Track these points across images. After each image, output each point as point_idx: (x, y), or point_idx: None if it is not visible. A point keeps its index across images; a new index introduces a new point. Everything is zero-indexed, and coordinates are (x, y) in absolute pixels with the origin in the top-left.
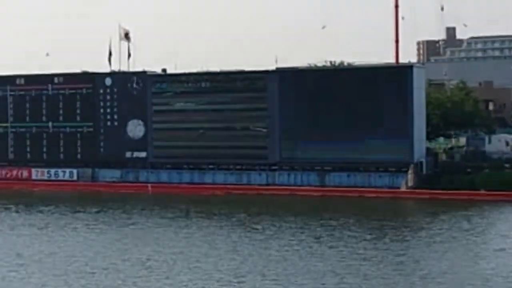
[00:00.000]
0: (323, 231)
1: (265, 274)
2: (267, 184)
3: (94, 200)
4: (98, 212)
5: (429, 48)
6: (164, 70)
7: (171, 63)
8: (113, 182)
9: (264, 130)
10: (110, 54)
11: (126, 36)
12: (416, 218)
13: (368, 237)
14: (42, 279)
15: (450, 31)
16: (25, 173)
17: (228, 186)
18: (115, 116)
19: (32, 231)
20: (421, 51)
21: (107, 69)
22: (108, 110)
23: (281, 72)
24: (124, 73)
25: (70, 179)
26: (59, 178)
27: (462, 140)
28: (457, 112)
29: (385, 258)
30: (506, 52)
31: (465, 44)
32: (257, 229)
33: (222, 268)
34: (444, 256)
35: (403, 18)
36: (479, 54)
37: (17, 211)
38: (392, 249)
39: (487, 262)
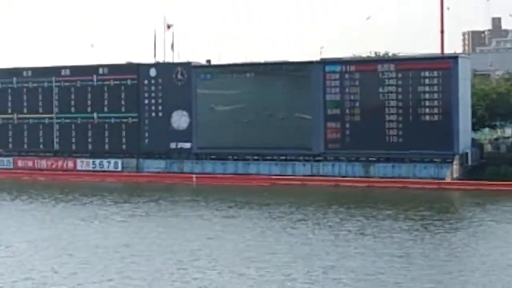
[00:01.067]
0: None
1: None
2: (312, 175)
3: (139, 191)
4: (145, 202)
5: (475, 39)
6: (208, 61)
7: (215, 54)
8: (158, 172)
9: (309, 117)
10: (155, 45)
11: (169, 27)
12: (461, 209)
13: (408, 227)
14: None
15: (496, 21)
16: (70, 164)
17: (273, 177)
18: (160, 107)
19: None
20: (467, 42)
21: (151, 60)
22: (153, 101)
23: (325, 63)
24: (168, 64)
25: (115, 169)
26: (103, 169)
27: (508, 131)
28: (502, 103)
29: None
30: None
31: (510, 34)
32: (303, 219)
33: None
34: (492, 249)
35: (448, 8)
36: None
37: (66, 202)
38: (428, 244)
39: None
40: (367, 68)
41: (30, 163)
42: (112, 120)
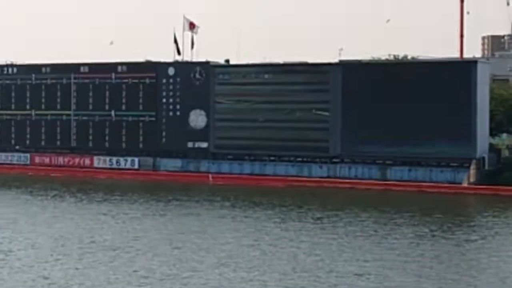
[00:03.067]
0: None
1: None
2: (328, 177)
3: (157, 189)
4: (161, 201)
5: (494, 43)
6: (227, 60)
7: (234, 54)
8: (174, 171)
9: (327, 113)
10: (176, 43)
11: (192, 25)
12: (478, 214)
13: (423, 233)
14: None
15: None
16: (87, 161)
17: (289, 178)
18: (177, 106)
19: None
20: (486, 46)
21: (170, 59)
22: (171, 100)
23: (344, 65)
24: (187, 63)
25: (132, 167)
26: (120, 167)
27: None
28: None
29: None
30: None
31: None
32: (317, 221)
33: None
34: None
35: (468, 12)
36: None
37: (81, 199)
38: (450, 247)
39: None
40: (385, 71)
41: (47, 160)
42: (130, 118)
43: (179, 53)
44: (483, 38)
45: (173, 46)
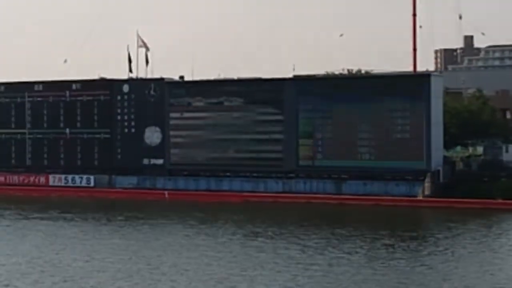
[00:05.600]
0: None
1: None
2: (284, 192)
3: (111, 207)
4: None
5: (447, 57)
6: (181, 77)
7: (188, 71)
8: (130, 188)
9: (281, 134)
10: (130, 61)
11: (144, 44)
12: (432, 227)
13: (379, 245)
14: None
15: (468, 39)
16: (42, 179)
17: (245, 193)
18: (132, 123)
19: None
20: (439, 60)
21: (124, 76)
22: (126, 117)
23: (298, 80)
24: (141, 80)
25: (87, 185)
26: (76, 185)
27: (479, 149)
28: (474, 121)
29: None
30: None
31: (482, 52)
32: (266, 237)
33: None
34: (457, 266)
35: (420, 26)
36: (497, 62)
37: (43, 219)
38: (404, 259)
39: (501, 272)
40: (339, 85)
41: (1, 179)
42: (85, 136)
43: (131, 71)
44: (436, 51)
45: (127, 63)
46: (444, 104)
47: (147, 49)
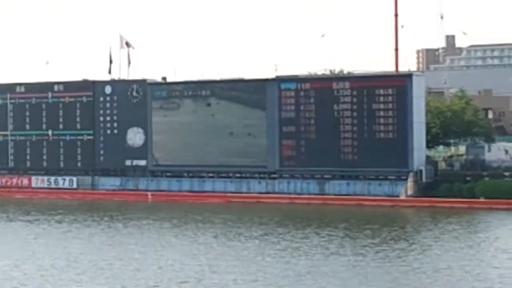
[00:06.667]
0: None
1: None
2: (267, 192)
3: (95, 209)
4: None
5: (429, 56)
6: (164, 78)
7: (171, 71)
8: (113, 190)
9: (264, 134)
10: (110, 62)
11: (127, 44)
12: (414, 226)
13: (359, 246)
14: None
15: (450, 39)
16: (25, 181)
17: (228, 194)
18: (115, 124)
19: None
20: (421, 59)
21: (107, 77)
22: (108, 118)
23: (280, 81)
24: (124, 81)
25: (70, 187)
26: (59, 186)
27: (462, 149)
28: (457, 121)
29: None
30: (506, 61)
31: (464, 52)
32: (246, 236)
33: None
34: (439, 265)
35: (402, 26)
36: (479, 62)
37: (30, 222)
38: (385, 258)
39: (484, 272)
40: (322, 86)
41: None
42: (68, 137)
43: (109, 72)
44: (418, 51)
45: (108, 64)
46: (426, 104)
47: (132, 47)
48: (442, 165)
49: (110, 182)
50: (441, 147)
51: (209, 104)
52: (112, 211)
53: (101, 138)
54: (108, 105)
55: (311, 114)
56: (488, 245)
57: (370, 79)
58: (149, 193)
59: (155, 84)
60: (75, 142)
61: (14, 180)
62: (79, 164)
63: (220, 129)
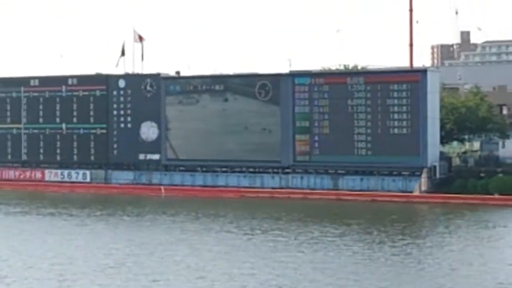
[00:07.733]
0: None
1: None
2: (281, 187)
3: (108, 202)
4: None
5: (443, 52)
6: (177, 72)
7: (184, 66)
8: (126, 184)
9: (278, 129)
10: (122, 55)
11: (140, 38)
12: (428, 222)
13: (374, 242)
14: None
15: (465, 35)
16: (38, 175)
17: (241, 189)
18: (129, 118)
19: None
20: (435, 55)
21: (121, 71)
22: (122, 112)
23: (294, 76)
24: (137, 75)
25: (83, 180)
26: (72, 180)
27: (476, 145)
28: (471, 117)
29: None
30: None
31: (479, 48)
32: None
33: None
34: (454, 262)
35: (417, 22)
36: (494, 58)
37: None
38: (399, 254)
39: (497, 269)
40: (336, 81)
41: None
42: (81, 131)
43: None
44: (433, 47)
45: (123, 58)
46: (441, 100)
47: (144, 40)
48: (456, 161)
49: (123, 176)
50: (455, 143)
51: (222, 99)
52: (125, 204)
53: (115, 132)
54: (121, 99)
55: (325, 109)
56: (504, 243)
57: (384, 75)
58: (162, 187)
59: (169, 78)
60: (89, 135)
61: (27, 174)
62: (92, 158)
63: (235, 124)
